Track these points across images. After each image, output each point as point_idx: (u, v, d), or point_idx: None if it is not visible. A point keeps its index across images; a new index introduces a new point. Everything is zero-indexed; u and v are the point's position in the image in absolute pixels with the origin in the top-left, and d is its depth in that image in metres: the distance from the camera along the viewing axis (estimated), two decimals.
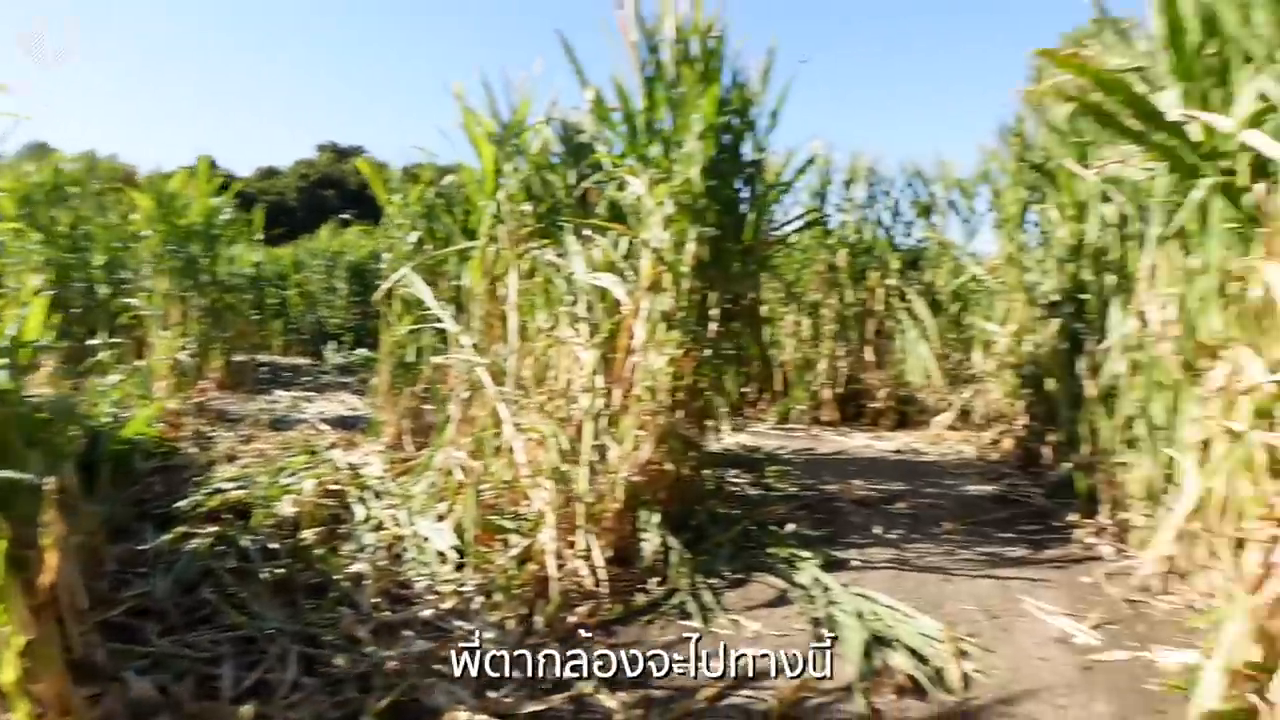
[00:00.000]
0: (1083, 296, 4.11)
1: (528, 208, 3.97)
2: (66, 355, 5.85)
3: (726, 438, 5.60)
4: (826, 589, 2.94)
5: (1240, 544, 2.24)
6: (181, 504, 3.49)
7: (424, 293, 4.11)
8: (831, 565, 3.26)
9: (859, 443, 6.44)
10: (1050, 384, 4.57)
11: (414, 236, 5.24)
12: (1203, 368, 2.44)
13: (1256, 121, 2.13)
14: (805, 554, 3.29)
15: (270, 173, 44.38)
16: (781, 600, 2.93)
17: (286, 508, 3.42)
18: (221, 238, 8.03)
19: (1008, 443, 5.69)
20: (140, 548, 3.03)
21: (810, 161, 5.07)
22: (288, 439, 5.24)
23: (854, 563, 3.35)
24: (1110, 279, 3.69)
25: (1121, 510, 3.54)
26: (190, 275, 7.41)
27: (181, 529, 3.14)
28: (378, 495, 3.76)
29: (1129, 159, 2.83)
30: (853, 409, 7.36)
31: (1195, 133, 2.34)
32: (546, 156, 4.15)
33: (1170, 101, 2.44)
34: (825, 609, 2.77)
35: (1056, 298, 4.48)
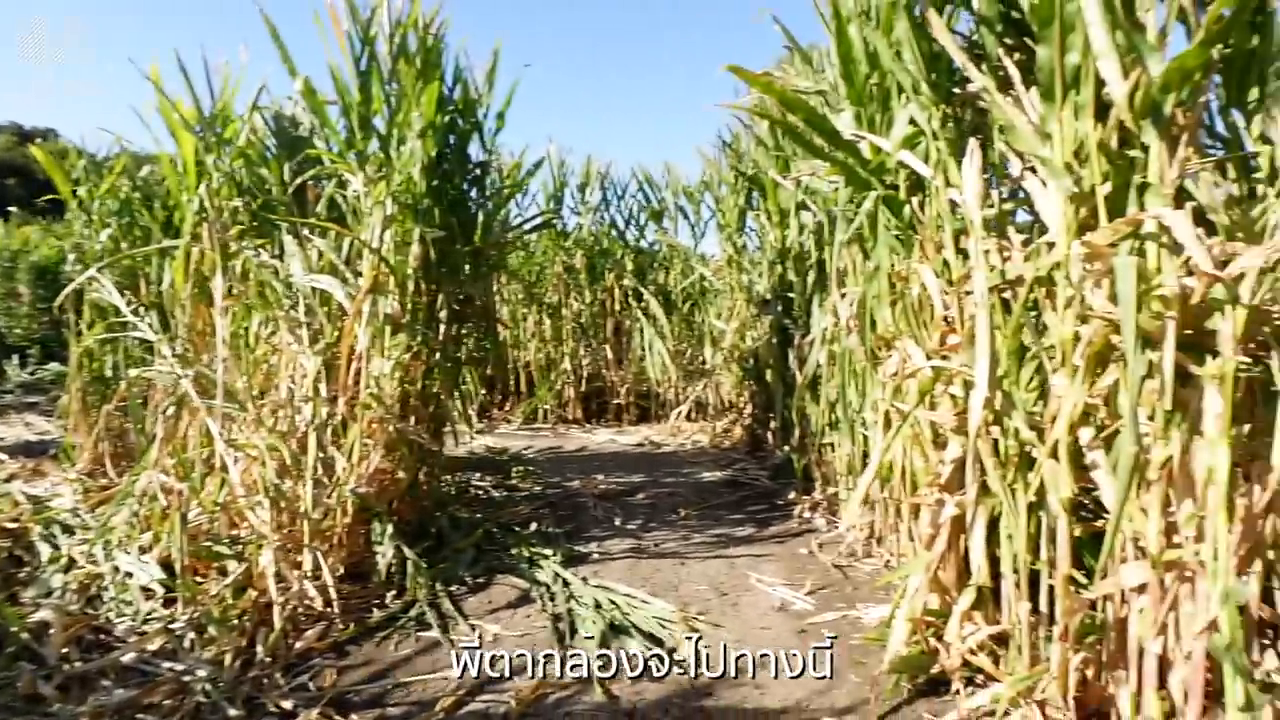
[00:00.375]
0: (790, 295, 4.53)
1: (238, 204, 3.68)
2: None
3: (472, 440, 5.57)
4: (567, 584, 3.02)
5: (917, 508, 2.58)
6: None
7: (115, 297, 3.70)
8: (573, 560, 3.35)
9: (602, 438, 6.66)
10: (769, 375, 4.99)
11: (107, 233, 4.71)
12: (882, 357, 2.78)
13: (910, 143, 2.47)
14: (547, 552, 3.35)
15: None
16: (523, 600, 2.95)
17: None
18: None
19: (738, 430, 6.14)
20: None
21: (540, 163, 5.17)
22: None
23: (595, 555, 3.46)
24: (811, 279, 4.10)
25: (831, 485, 3.94)
26: None
27: None
28: (69, 530, 3.35)
29: (817, 172, 3.17)
30: (596, 406, 7.62)
31: (866, 151, 2.66)
32: (259, 149, 3.86)
33: (846, 122, 2.76)
34: (565, 604, 2.84)
35: (769, 296, 4.89)
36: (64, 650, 2.40)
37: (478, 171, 4.09)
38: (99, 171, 4.94)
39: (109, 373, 4.56)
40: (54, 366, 8.89)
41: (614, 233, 7.91)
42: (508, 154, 6.30)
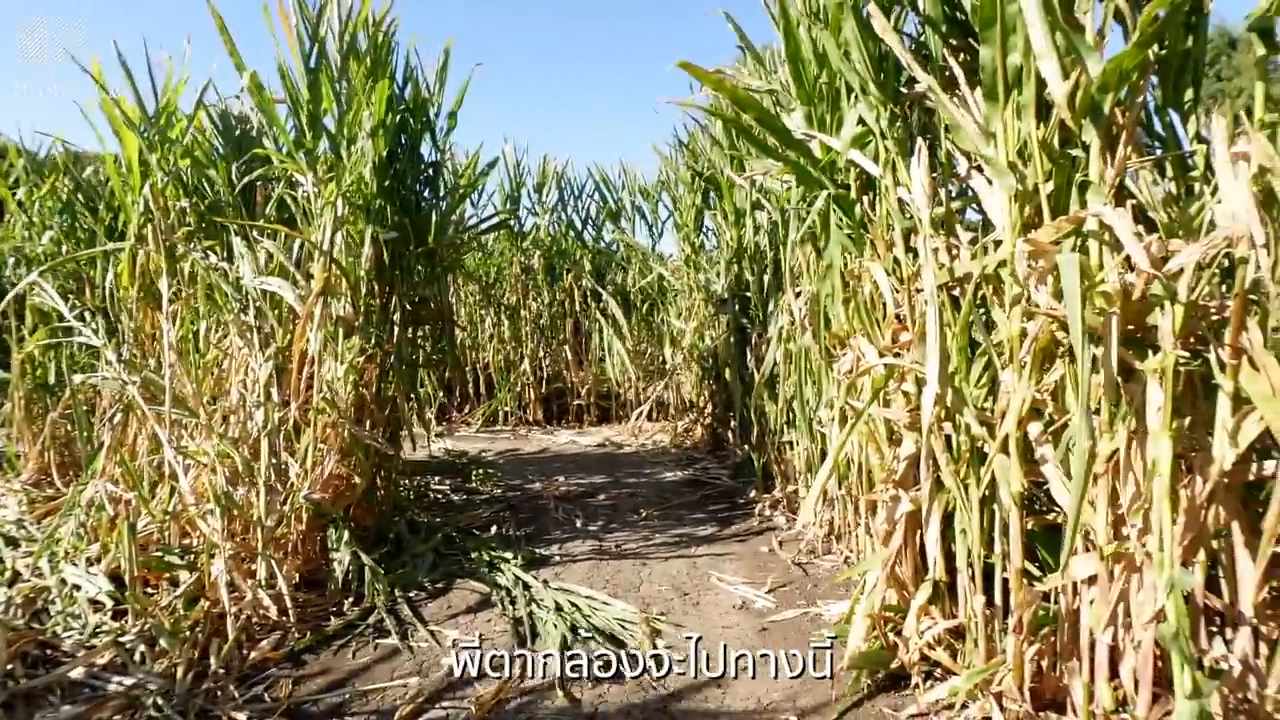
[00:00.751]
0: (747, 294, 4.55)
1: (184, 204, 3.59)
2: None
3: (430, 444, 5.51)
4: (527, 587, 3.00)
5: (874, 505, 2.60)
6: None
7: (57, 301, 3.60)
8: (533, 563, 3.34)
9: (563, 440, 6.64)
10: (727, 374, 5.01)
11: (49, 235, 4.57)
12: (836, 354, 2.80)
13: (859, 142, 2.49)
14: (507, 555, 3.33)
15: None
16: (484, 604, 2.93)
17: None
18: None
19: (699, 430, 6.15)
20: None
21: (494, 163, 5.13)
22: None
23: (556, 558, 3.44)
24: (767, 278, 4.12)
25: (790, 483, 3.96)
26: None
27: None
28: (13, 542, 3.26)
29: (771, 171, 3.18)
30: (557, 407, 7.59)
31: (817, 150, 2.68)
32: (206, 148, 3.76)
33: (797, 122, 2.77)
34: (526, 608, 2.82)
35: (726, 295, 4.91)
36: (9, 667, 2.32)
37: (430, 171, 4.05)
38: (40, 171, 4.80)
39: (53, 379, 4.43)
40: None
41: (571, 233, 7.89)
42: (462, 154, 6.26)
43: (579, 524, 3.97)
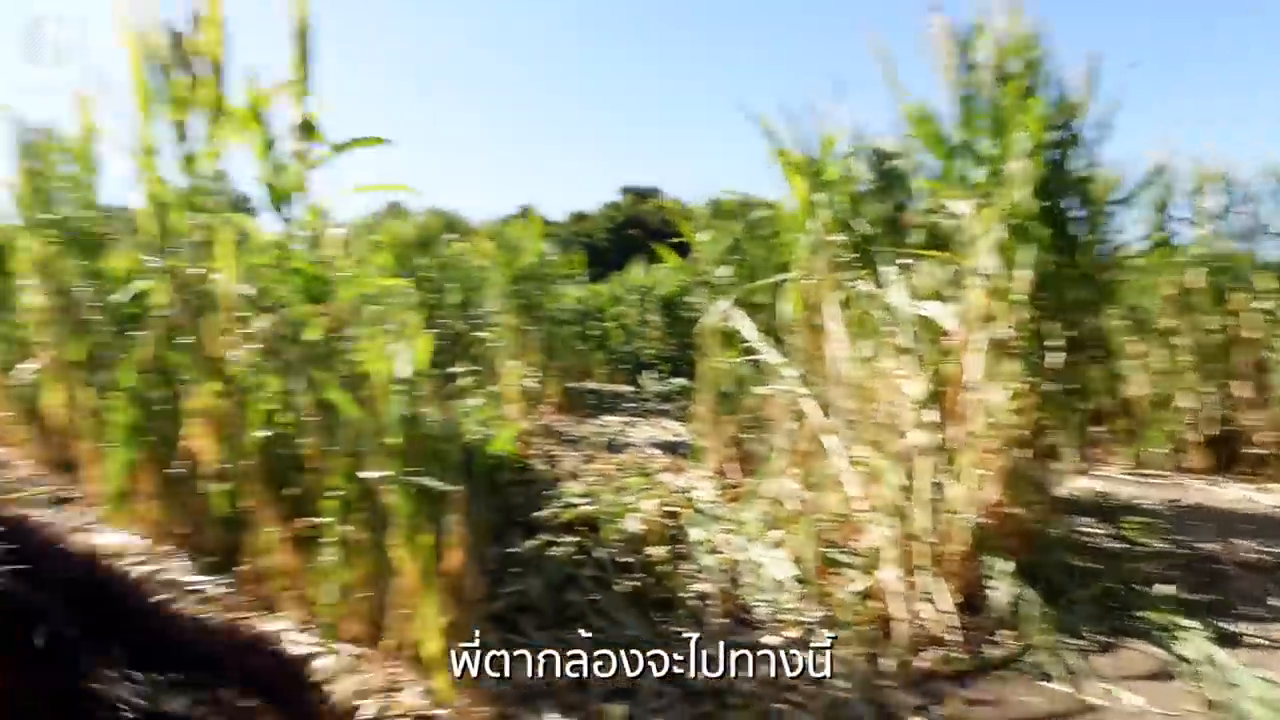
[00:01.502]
0: None
1: (841, 238, 3.89)
2: (436, 382, 6.67)
3: (1072, 483, 5.09)
4: (1218, 667, 2.56)
5: None
6: (540, 514, 3.77)
7: (745, 326, 4.18)
8: (1220, 639, 2.82)
9: (1235, 494, 5.55)
10: None
11: (724, 270, 5.33)
12: None
13: None
14: (1187, 623, 2.87)
15: (580, 216, 47.47)
16: (1162, 674, 2.58)
17: (632, 524, 3.59)
18: (549, 277, 8.62)
19: None
20: (511, 551, 3.34)
21: (1156, 173, 4.54)
22: (622, 461, 5.49)
23: (1248, 638, 2.87)
24: None
25: None
26: (528, 311, 8.00)
27: (544, 537, 3.40)
28: (711, 519, 3.84)
29: None
30: (1225, 454, 6.38)
31: None
32: (856, 185, 4.03)
33: None
34: (1224, 690, 2.40)
35: None
36: (721, 621, 2.78)
37: (1081, 188, 3.73)
38: (718, 216, 5.70)
39: (730, 389, 5.12)
40: (679, 380, 10.44)
41: (1239, 244, 6.58)
42: (1109, 165, 5.65)
43: (1275, 603, 3.25)
